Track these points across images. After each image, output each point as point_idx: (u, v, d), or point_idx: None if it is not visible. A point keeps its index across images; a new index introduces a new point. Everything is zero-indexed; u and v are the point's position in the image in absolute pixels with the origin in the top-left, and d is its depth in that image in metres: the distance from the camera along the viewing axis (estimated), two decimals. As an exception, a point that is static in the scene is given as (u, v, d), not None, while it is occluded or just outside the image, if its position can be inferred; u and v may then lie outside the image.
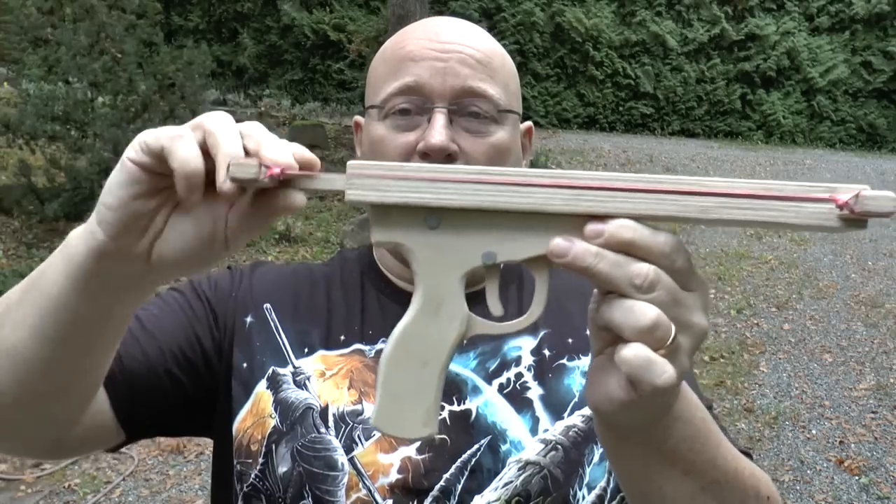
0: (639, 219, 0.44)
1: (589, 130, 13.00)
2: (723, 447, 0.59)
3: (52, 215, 5.25)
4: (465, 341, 0.50)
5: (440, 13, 10.25)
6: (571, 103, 13.11)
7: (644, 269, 0.44)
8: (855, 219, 0.43)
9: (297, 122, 10.07)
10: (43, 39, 5.57)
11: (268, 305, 0.80)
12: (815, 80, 13.11)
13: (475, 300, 0.81)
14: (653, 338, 0.43)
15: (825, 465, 3.56)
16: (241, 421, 0.77)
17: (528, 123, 0.84)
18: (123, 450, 3.50)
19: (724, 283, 5.97)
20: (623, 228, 0.44)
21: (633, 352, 0.43)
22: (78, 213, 5.41)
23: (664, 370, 0.43)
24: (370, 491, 0.71)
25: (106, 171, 5.19)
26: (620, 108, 13.27)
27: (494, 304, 0.50)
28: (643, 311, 0.43)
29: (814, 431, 3.87)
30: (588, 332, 0.51)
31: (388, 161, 0.74)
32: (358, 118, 0.84)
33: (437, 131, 0.70)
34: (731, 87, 13.22)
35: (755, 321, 5.23)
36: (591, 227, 0.45)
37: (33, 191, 5.42)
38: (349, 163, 0.46)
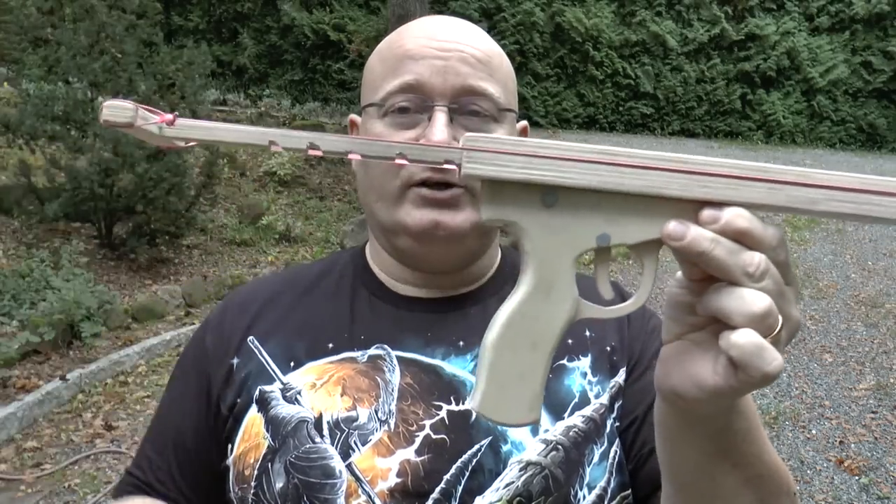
0: (751, 207, 0.45)
1: (589, 130, 12.99)
2: (766, 442, 0.60)
3: (52, 215, 5.24)
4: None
5: (440, 13, 10.22)
6: (571, 103, 13.10)
7: (757, 258, 0.44)
8: None
9: (297, 123, 10.07)
10: (43, 39, 5.56)
11: (251, 338, 0.80)
12: (815, 80, 13.10)
13: (472, 300, 0.81)
14: (764, 325, 0.43)
15: (825, 465, 3.56)
16: (237, 449, 0.77)
17: (524, 123, 0.84)
18: (123, 449, 3.50)
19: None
20: (739, 217, 0.44)
21: (746, 338, 0.43)
22: (78, 213, 5.41)
23: (774, 357, 0.43)
24: (370, 496, 0.70)
25: (106, 171, 5.20)
26: (620, 108, 13.25)
27: (605, 288, 0.49)
28: (756, 299, 0.43)
29: (814, 431, 3.87)
30: (661, 317, 0.51)
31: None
32: (353, 117, 0.83)
33: (439, 129, 0.70)
34: (731, 87, 13.20)
35: (755, 321, 5.24)
36: (709, 213, 0.45)
37: (33, 191, 5.41)
38: (466, 135, 0.45)
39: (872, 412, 4.07)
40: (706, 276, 0.46)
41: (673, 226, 0.45)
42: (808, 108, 13.33)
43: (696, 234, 0.44)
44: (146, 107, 0.45)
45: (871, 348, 4.91)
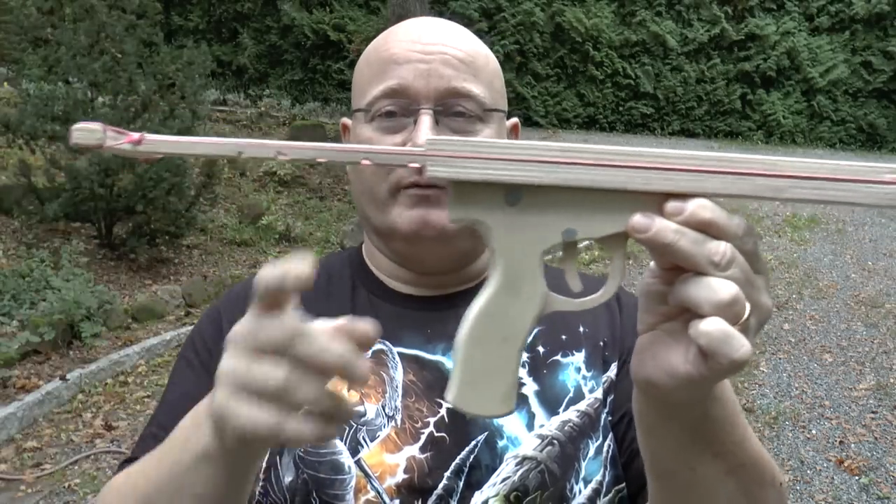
0: (715, 197, 0.46)
1: (589, 130, 13.00)
2: (748, 431, 0.60)
3: (52, 215, 5.25)
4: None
5: (440, 13, 10.23)
6: (571, 103, 13.09)
7: (722, 247, 0.45)
8: None
9: (297, 122, 10.07)
10: (43, 39, 5.56)
11: None
12: (815, 80, 13.10)
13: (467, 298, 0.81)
14: (731, 313, 0.44)
15: (825, 465, 3.57)
16: None
17: (514, 120, 0.85)
18: (122, 449, 3.50)
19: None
20: (703, 208, 0.45)
21: (713, 325, 0.44)
22: (78, 213, 5.41)
23: (742, 344, 0.44)
24: (378, 492, 0.71)
25: (106, 171, 5.20)
26: (620, 108, 13.25)
27: (574, 281, 0.50)
28: (722, 287, 0.44)
29: (814, 431, 3.87)
30: (639, 311, 0.52)
31: None
32: (345, 120, 0.85)
33: (424, 133, 0.71)
34: (731, 87, 13.20)
35: (755, 321, 5.24)
36: (673, 205, 0.45)
37: (33, 191, 5.41)
38: (427, 138, 0.46)
39: (872, 412, 4.08)
40: (677, 265, 0.47)
41: (638, 219, 0.46)
42: (808, 108, 13.33)
43: (661, 227, 0.45)
44: (114, 128, 0.45)
45: (871, 348, 4.91)
